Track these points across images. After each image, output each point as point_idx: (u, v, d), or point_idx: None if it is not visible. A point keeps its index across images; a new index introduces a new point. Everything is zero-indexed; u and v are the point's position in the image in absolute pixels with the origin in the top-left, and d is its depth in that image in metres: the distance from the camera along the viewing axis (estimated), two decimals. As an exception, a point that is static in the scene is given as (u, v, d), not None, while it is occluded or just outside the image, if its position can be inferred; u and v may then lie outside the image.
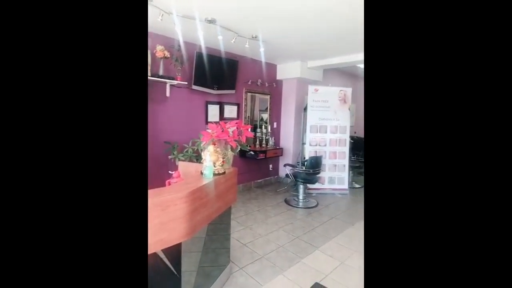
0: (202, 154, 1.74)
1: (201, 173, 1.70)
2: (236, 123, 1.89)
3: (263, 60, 4.28)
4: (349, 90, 4.41)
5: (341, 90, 4.37)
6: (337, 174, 4.32)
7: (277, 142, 4.82)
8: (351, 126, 5.24)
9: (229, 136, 1.80)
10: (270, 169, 4.82)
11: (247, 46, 3.20)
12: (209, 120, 3.70)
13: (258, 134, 4.44)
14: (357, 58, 3.87)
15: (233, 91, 3.98)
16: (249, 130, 1.98)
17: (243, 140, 1.89)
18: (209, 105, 3.73)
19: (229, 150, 1.86)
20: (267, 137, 4.52)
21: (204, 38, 3.12)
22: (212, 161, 1.69)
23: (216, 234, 1.95)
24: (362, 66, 5.25)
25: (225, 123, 1.88)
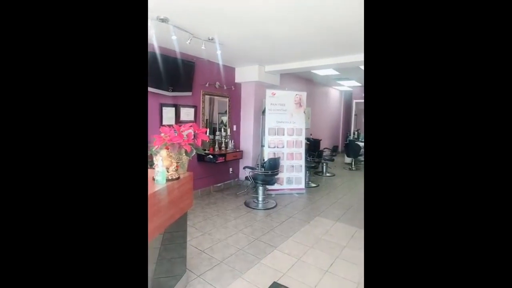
0: (154, 159, 1.65)
1: (153, 179, 1.61)
2: (191, 126, 1.84)
3: (220, 62, 4.26)
4: (304, 94, 4.64)
5: (296, 94, 4.58)
6: (295, 174, 4.50)
7: (237, 144, 4.82)
8: (306, 129, 5.51)
9: (183, 139, 1.73)
10: (230, 172, 4.80)
11: (203, 48, 3.15)
12: (164, 123, 3.53)
13: (218, 137, 4.39)
14: (312, 64, 4.10)
15: (189, 93, 3.87)
16: (206, 133, 1.94)
17: (198, 143, 1.85)
18: (163, 108, 3.56)
19: (184, 154, 1.80)
20: (226, 140, 4.49)
21: (158, 38, 2.98)
22: (165, 166, 1.61)
23: (172, 242, 1.86)
24: (316, 71, 5.58)
25: (180, 126, 1.81)
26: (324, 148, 6.40)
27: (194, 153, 1.82)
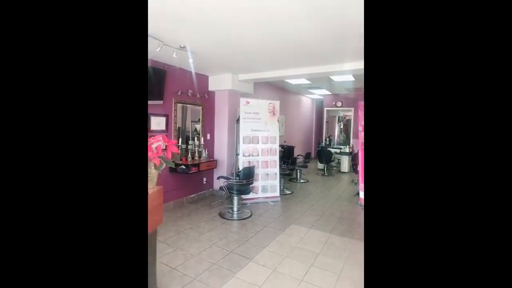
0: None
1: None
2: (160, 138, 1.76)
3: (193, 70, 4.19)
4: (277, 103, 4.72)
5: (270, 103, 4.65)
6: (270, 182, 4.52)
7: (211, 154, 4.73)
8: (280, 136, 5.60)
9: (152, 152, 1.65)
10: (204, 182, 4.68)
11: (174, 56, 3.07)
12: (133, 132, 3.35)
13: (191, 147, 4.28)
14: (285, 73, 4.20)
15: (160, 102, 3.73)
16: (176, 144, 1.87)
17: (169, 156, 1.77)
18: (132, 117, 3.38)
19: (152, 167, 1.71)
20: (200, 149, 4.39)
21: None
22: (131, 182, 1.52)
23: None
24: (289, 81, 5.73)
25: (150, 137, 1.73)
26: (298, 155, 6.54)
27: (163, 166, 1.74)
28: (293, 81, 5.86)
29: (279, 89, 6.99)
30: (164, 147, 1.77)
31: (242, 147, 4.40)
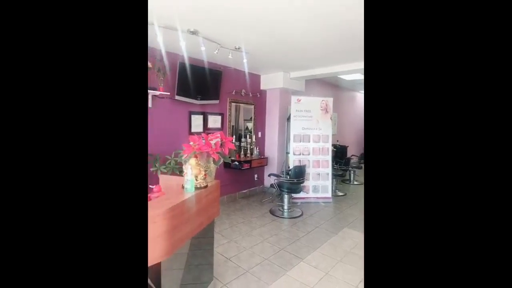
0: (184, 167, 1.70)
1: (183, 187, 1.65)
2: (219, 134, 1.87)
3: (246, 70, 4.32)
4: (330, 100, 4.53)
5: (322, 100, 4.49)
6: (321, 182, 4.38)
7: (262, 151, 4.82)
8: (333, 135, 5.35)
9: (211, 148, 1.77)
10: (255, 179, 4.80)
11: (230, 57, 3.22)
12: (192, 130, 3.65)
13: (243, 144, 4.43)
14: (338, 69, 4.00)
15: (217, 101, 3.97)
16: (232, 141, 1.97)
17: (226, 152, 1.87)
18: (192, 116, 3.69)
19: (212, 162, 1.83)
20: (252, 147, 4.52)
21: (187, 49, 3.11)
22: (193, 175, 1.66)
23: (199, 248, 1.89)
24: (343, 76, 5.44)
25: (208, 134, 1.86)
26: (352, 155, 6.15)
27: (221, 161, 1.85)
28: (347, 77, 5.54)
29: (331, 86, 6.69)
30: (221, 144, 1.88)
31: (293, 146, 4.36)
